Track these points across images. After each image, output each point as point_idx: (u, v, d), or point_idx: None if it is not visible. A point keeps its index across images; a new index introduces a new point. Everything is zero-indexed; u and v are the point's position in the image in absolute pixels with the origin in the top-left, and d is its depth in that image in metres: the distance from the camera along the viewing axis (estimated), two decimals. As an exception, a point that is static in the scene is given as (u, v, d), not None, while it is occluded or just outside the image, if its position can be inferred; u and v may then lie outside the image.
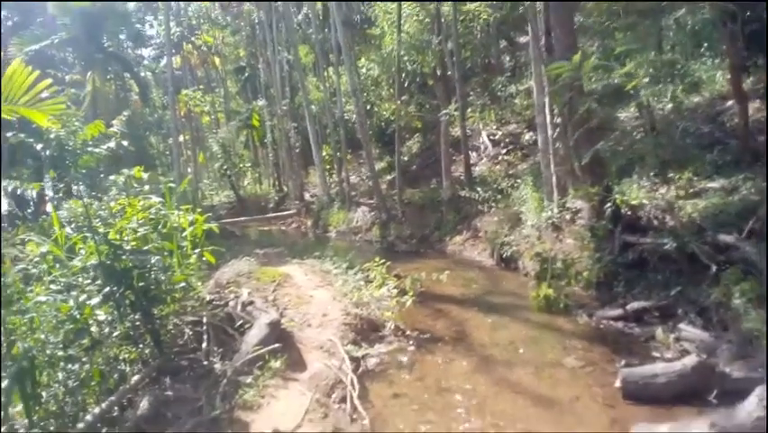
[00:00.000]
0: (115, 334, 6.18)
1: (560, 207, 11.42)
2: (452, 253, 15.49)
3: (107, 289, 6.07)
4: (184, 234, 8.26)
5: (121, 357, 6.13)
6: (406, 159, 23.80)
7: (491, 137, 21.36)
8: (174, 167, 24.84)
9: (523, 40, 25.79)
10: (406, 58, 19.35)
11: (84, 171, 7.03)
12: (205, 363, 6.20)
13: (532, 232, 12.13)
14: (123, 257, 6.13)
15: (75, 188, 8.03)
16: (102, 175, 7.61)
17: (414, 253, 16.11)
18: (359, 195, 23.53)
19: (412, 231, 17.74)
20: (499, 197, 14.85)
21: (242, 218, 26.26)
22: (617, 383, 5.83)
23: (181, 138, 31.25)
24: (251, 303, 7.55)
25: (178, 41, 34.99)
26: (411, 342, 7.90)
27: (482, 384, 6.32)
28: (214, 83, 44.40)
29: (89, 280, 6.37)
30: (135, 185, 8.84)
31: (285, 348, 6.61)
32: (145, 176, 8.83)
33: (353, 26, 24.73)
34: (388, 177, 24.36)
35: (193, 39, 36.93)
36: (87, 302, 6.02)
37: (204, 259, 8.31)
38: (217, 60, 40.37)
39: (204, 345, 6.50)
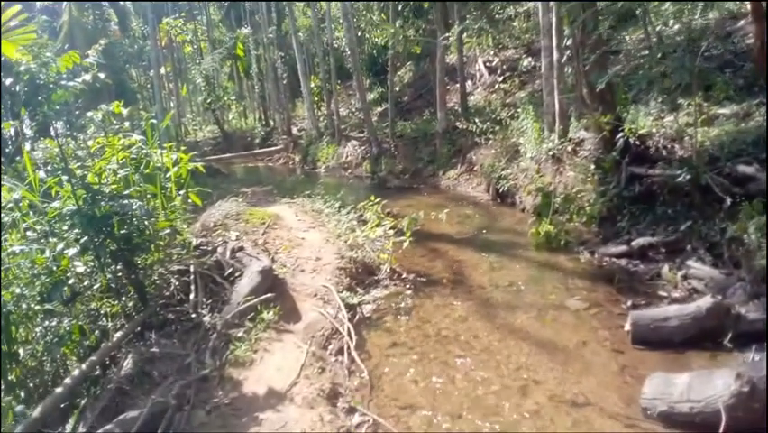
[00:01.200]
0: (96, 286, 5.81)
1: (562, 138, 10.92)
2: (447, 189, 15.10)
3: (86, 237, 5.64)
4: (168, 175, 7.78)
5: (102, 311, 5.79)
6: (397, 89, 22.92)
7: (487, 64, 20.48)
8: (156, 101, 23.81)
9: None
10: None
11: (58, 108, 6.41)
12: (194, 315, 5.87)
13: (530, 165, 11.67)
14: (103, 203, 5.65)
15: (52, 126, 7.48)
16: (78, 112, 6.99)
17: (406, 189, 15.70)
18: (349, 128, 22.79)
19: (404, 166, 17.24)
20: (497, 128, 14.22)
21: (228, 155, 25.56)
22: (627, 327, 5.58)
23: (163, 70, 29.90)
24: (241, 249, 7.17)
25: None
26: (408, 285, 7.61)
27: (484, 330, 6.07)
28: (197, 10, 42.26)
29: (66, 228, 5.94)
30: (114, 121, 8.27)
31: (278, 297, 6.29)
32: (125, 111, 8.23)
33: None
34: (379, 109, 23.60)
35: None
36: (65, 252, 5.62)
37: (189, 201, 7.88)
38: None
39: (191, 296, 6.15)
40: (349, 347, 5.63)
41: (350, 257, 7.97)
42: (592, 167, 9.37)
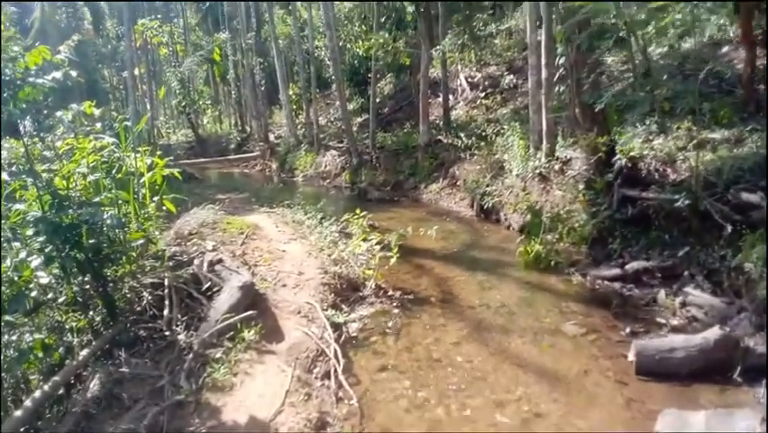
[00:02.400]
0: (61, 299, 5.30)
1: (549, 157, 10.77)
2: (429, 202, 14.84)
3: (50, 246, 5.15)
4: (141, 181, 7.30)
5: (67, 326, 5.28)
6: (377, 101, 22.68)
7: (469, 79, 20.42)
8: (129, 102, 23.07)
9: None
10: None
11: (25, 106, 5.90)
12: (167, 333, 5.39)
13: (516, 182, 11.49)
14: (70, 210, 5.17)
15: (21, 125, 6.96)
16: (45, 112, 6.48)
17: (387, 201, 15.40)
18: (328, 137, 22.43)
19: (385, 177, 16.95)
20: (482, 143, 14.04)
21: (202, 159, 24.98)
22: (630, 357, 5.33)
23: (136, 71, 29.14)
24: (220, 261, 6.72)
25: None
26: (395, 303, 7.26)
27: (478, 355, 5.74)
28: (173, 13, 41.52)
29: (30, 235, 5.42)
30: (85, 122, 7.77)
31: (259, 314, 5.87)
32: (97, 112, 7.73)
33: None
34: (359, 119, 23.27)
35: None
36: (27, 261, 5.12)
37: (163, 208, 7.40)
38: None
39: (165, 312, 5.65)
40: (336, 371, 5.24)
41: (334, 272, 7.58)
42: (581, 187, 9.22)
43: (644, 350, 5.24)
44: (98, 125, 7.81)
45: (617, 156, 8.26)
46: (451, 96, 19.90)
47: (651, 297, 6.96)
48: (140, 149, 7.78)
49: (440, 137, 16.81)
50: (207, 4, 33.79)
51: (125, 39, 23.31)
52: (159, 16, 33.93)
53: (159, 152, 8.50)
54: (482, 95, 19.14)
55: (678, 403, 4.55)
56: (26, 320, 5.16)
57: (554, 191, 10.25)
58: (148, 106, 30.25)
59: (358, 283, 7.72)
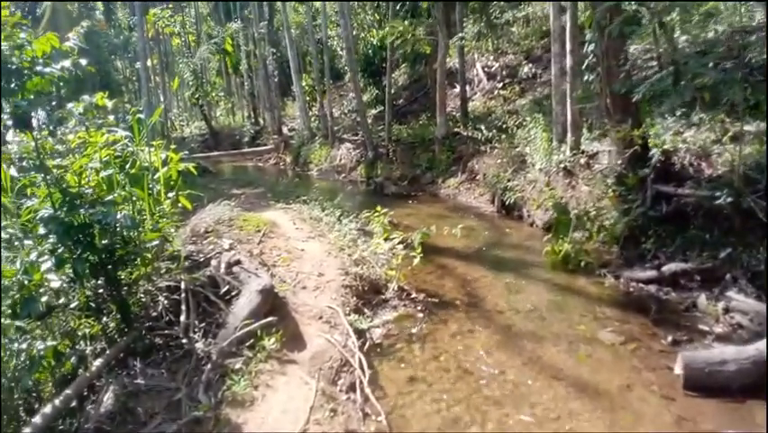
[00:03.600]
0: (73, 304, 5.04)
1: (574, 150, 10.36)
2: (447, 198, 14.47)
3: (62, 248, 4.89)
4: (156, 176, 7.02)
5: (80, 332, 5.02)
6: (392, 92, 22.28)
7: (486, 69, 19.96)
8: (142, 94, 22.80)
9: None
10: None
11: (32, 97, 5.60)
12: (184, 341, 5.12)
13: (539, 177, 11.11)
14: (82, 210, 4.89)
15: (34, 117, 6.71)
16: (54, 103, 6.19)
17: (405, 196, 15.03)
18: (342, 130, 22.06)
19: (402, 171, 16.56)
20: (502, 136, 13.61)
21: (216, 153, 24.71)
22: (677, 369, 4.99)
23: (149, 62, 28.89)
24: (238, 262, 6.43)
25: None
26: (419, 307, 6.95)
27: (511, 365, 5.42)
28: (185, 4, 41.22)
29: (41, 235, 5.17)
30: (98, 115, 7.50)
31: (279, 320, 5.57)
32: (109, 104, 7.46)
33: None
34: (374, 111, 22.86)
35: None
36: (39, 262, 4.86)
37: (179, 205, 7.12)
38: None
39: (182, 317, 5.39)
40: (362, 382, 4.94)
41: (355, 273, 7.28)
42: (610, 182, 8.82)
43: (692, 362, 4.89)
44: (111, 118, 7.54)
45: (654, 150, 7.84)
46: (467, 87, 19.49)
47: (690, 301, 6.60)
48: (154, 142, 7.51)
49: (457, 129, 16.41)
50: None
51: (137, 29, 22.93)
52: (170, 6, 33.65)
53: (173, 146, 8.23)
54: (500, 85, 18.67)
55: (732, 423, 4.23)
56: (37, 325, 4.93)
57: (581, 186, 9.86)
58: (161, 98, 29.98)
59: (380, 285, 7.42)
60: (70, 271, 4.99)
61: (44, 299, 4.79)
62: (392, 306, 6.99)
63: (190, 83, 29.36)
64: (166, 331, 5.25)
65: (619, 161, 8.34)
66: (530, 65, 18.15)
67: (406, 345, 5.94)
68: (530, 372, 5.28)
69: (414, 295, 7.31)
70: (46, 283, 4.88)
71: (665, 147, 8.18)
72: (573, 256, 8.03)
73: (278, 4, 25.57)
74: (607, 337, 5.91)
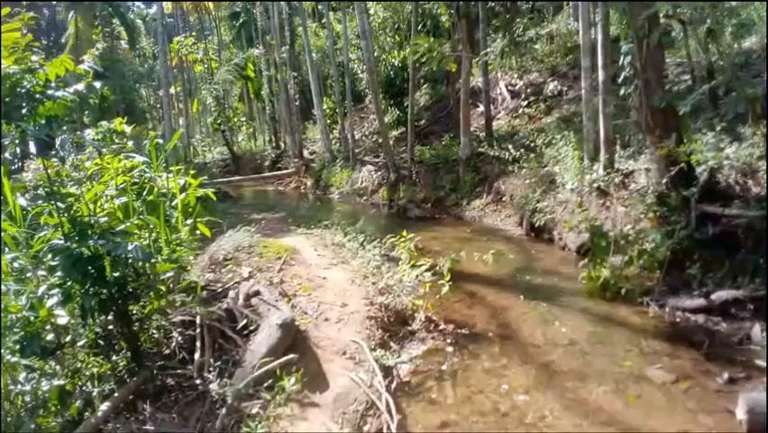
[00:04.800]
0: (81, 342, 4.73)
1: (608, 168, 9.88)
2: (472, 220, 14.03)
3: (69, 282, 4.60)
4: (174, 203, 6.75)
5: (87, 372, 4.70)
6: (414, 113, 22.03)
7: (510, 87, 19.61)
8: (164, 120, 22.95)
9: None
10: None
11: (43, 122, 5.36)
12: (198, 381, 4.76)
13: (571, 197, 10.63)
14: (91, 241, 4.60)
15: (57, 143, 6.51)
16: (64, 128, 5.97)
17: (428, 219, 14.65)
18: (363, 152, 21.85)
19: (425, 193, 16.16)
20: (530, 155, 13.18)
21: (237, 177, 24.66)
22: (739, 414, 4.46)
23: (172, 90, 29.22)
24: (257, 294, 6.08)
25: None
26: (448, 340, 6.50)
27: (553, 408, 4.94)
28: (207, 31, 41.90)
29: (48, 268, 4.90)
30: (116, 140, 7.30)
31: (300, 357, 5.19)
32: (128, 129, 7.25)
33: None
34: (395, 132, 22.63)
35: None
36: (45, 298, 4.58)
37: (197, 232, 6.83)
38: (210, 5, 37.86)
39: (196, 355, 5.04)
40: (390, 428, 4.51)
41: (380, 303, 6.88)
42: (649, 202, 8.31)
43: (756, 406, 4.37)
44: (130, 144, 7.33)
45: (701, 167, 7.35)
46: (491, 106, 19.14)
47: (744, 333, 6.06)
48: (173, 168, 7.27)
49: (481, 149, 16.03)
50: (241, 20, 33.88)
51: (160, 56, 23.18)
52: (193, 33, 34.16)
53: (193, 171, 7.98)
54: (524, 103, 18.30)
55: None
56: (45, 363, 4.63)
57: (616, 207, 9.35)
58: (180, 122, 30.22)
59: (406, 315, 7.00)
60: (79, 306, 4.69)
61: (50, 336, 4.50)
62: (420, 338, 6.56)
63: (213, 109, 29.57)
64: (179, 370, 4.90)
65: (661, 180, 7.82)
66: (555, 82, 17.75)
67: (436, 384, 5.49)
68: (574, 416, 4.79)
69: (442, 326, 6.87)
70: (53, 320, 4.61)
71: (711, 164, 7.68)
72: (613, 283, 7.52)
73: (300, 29, 25.70)
74: (656, 375, 5.39)
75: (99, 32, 29.71)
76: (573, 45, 18.44)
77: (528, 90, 18.71)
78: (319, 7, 31.43)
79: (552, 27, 19.56)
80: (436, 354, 6.17)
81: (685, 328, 6.46)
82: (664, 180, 7.50)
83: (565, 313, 7.26)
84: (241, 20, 34.03)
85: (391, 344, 6.24)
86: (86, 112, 22.97)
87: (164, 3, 29.47)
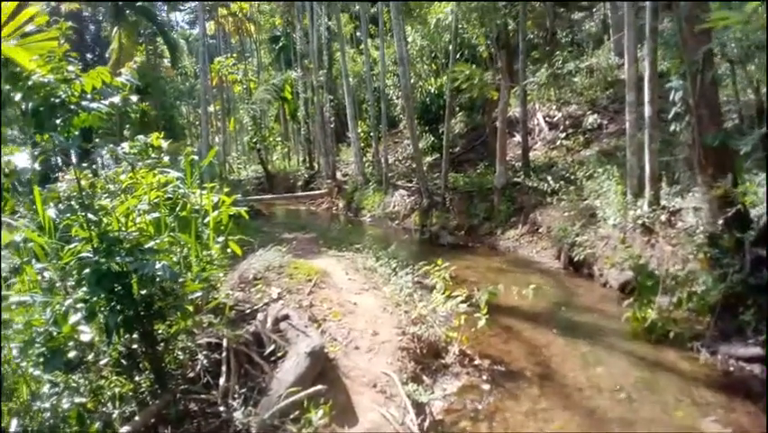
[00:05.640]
0: (103, 361, 4.56)
1: (653, 205, 9.47)
2: (506, 250, 13.64)
3: (94, 298, 4.45)
4: (206, 220, 6.63)
5: (108, 392, 4.51)
6: (449, 139, 21.89)
7: (547, 119, 19.32)
8: (201, 137, 23.29)
9: (579, 15, 23.61)
10: (461, 25, 17.28)
11: (77, 134, 5.28)
12: (222, 408, 4.53)
13: (613, 233, 10.21)
14: (119, 258, 4.46)
15: (87, 155, 6.51)
16: (97, 140, 5.90)
17: (461, 247, 14.32)
18: (396, 176, 21.73)
19: (459, 221, 15.86)
20: (570, 187, 12.82)
21: (270, 196, 24.81)
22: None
23: (211, 108, 29.77)
24: (286, 318, 5.85)
25: (213, 5, 33.45)
26: (483, 376, 6.17)
27: (600, 459, 4.55)
28: (248, 53, 42.83)
29: (74, 283, 4.77)
30: (153, 155, 7.26)
31: (329, 387, 4.91)
32: (165, 144, 7.21)
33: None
34: (428, 159, 22.46)
35: (229, 3, 35.38)
36: (74, 309, 4.43)
37: (229, 250, 6.68)
38: (252, 28, 38.72)
39: (221, 380, 4.82)
40: (422, 471, 4.19)
41: (413, 333, 6.58)
42: (699, 242, 7.86)
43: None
44: (166, 159, 7.28)
45: (760, 209, 6.93)
46: (527, 136, 18.85)
47: (807, 388, 5.57)
48: (207, 185, 7.18)
49: (517, 179, 15.72)
50: (281, 44, 34.50)
51: (201, 75, 23.63)
52: (234, 55, 34.89)
53: (228, 188, 7.90)
54: (562, 135, 17.96)
55: None
56: (68, 378, 4.47)
57: (662, 246, 8.93)
58: (217, 139, 30.65)
59: (439, 348, 6.69)
60: (103, 323, 4.53)
61: (72, 354, 4.34)
62: (453, 373, 6.23)
63: (249, 128, 29.98)
64: (202, 395, 4.68)
65: (713, 220, 7.40)
66: (595, 115, 17.42)
67: (471, 425, 5.16)
68: (624, 470, 4.40)
69: (477, 361, 6.54)
70: (76, 336, 4.45)
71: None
72: (660, 325, 7.08)
73: (338, 54, 25.98)
74: (710, 428, 4.98)
75: (143, 49, 30.56)
76: (614, 79, 18.16)
77: (567, 122, 18.39)
78: (357, 33, 31.84)
79: (592, 61, 19.29)
80: (471, 391, 5.83)
81: (740, 379, 6.01)
82: (720, 222, 7.07)
83: (609, 355, 6.85)
84: (281, 43, 34.66)
85: (424, 377, 5.93)
86: (127, 126, 23.51)
87: (207, 23, 30.31)
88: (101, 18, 26.90)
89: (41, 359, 4.29)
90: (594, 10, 22.78)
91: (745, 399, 5.54)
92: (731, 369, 6.24)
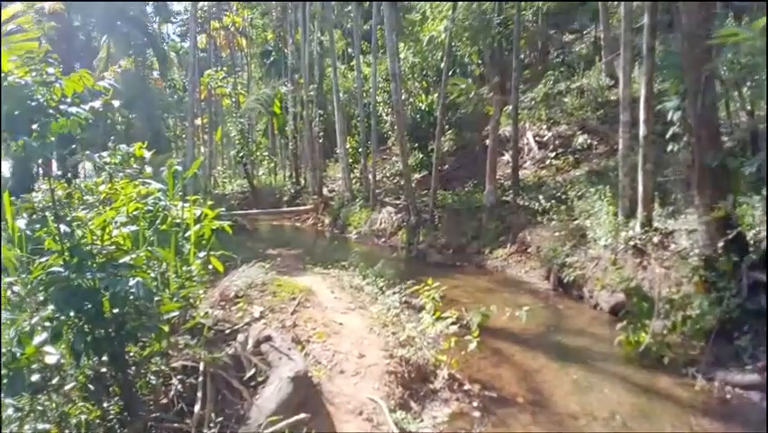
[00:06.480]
0: (68, 386, 4.24)
1: (645, 226, 9.35)
2: (494, 269, 13.46)
3: (61, 317, 4.14)
4: (187, 234, 6.34)
5: (74, 419, 4.18)
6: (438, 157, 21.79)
7: (537, 138, 19.29)
8: (187, 149, 22.95)
9: (570, 37, 23.81)
10: (454, 43, 17.27)
11: (53, 140, 4.97)
12: (197, 437, 4.23)
13: (604, 254, 10.06)
14: (89, 274, 4.17)
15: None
16: (74, 146, 5.63)
17: (449, 266, 14.10)
18: (384, 193, 21.56)
19: (447, 239, 15.66)
20: (561, 207, 12.70)
21: (255, 211, 24.47)
22: None
23: (198, 121, 29.47)
24: (268, 339, 5.55)
25: (205, 18, 33.34)
26: (474, 402, 5.91)
27: (597, 495, 4.30)
28: (238, 67, 42.69)
29: (40, 300, 4.46)
30: (135, 165, 6.98)
31: (312, 415, 4.62)
32: (148, 154, 6.94)
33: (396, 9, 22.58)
34: (417, 176, 22.33)
35: (221, 16, 35.30)
36: (36, 334, 4.12)
37: (210, 266, 6.38)
38: (243, 42, 38.65)
39: (196, 407, 4.50)
40: None
41: (401, 357, 6.31)
42: (694, 264, 7.70)
43: None
44: (148, 169, 7.00)
45: (751, 232, 6.81)
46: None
47: (806, 416, 5.39)
48: (190, 198, 6.90)
49: (506, 198, 15.61)
50: (272, 58, 34.40)
51: (190, 87, 23.34)
52: (224, 68, 34.72)
53: (211, 202, 7.62)
54: (552, 155, 17.95)
55: None
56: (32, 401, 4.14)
57: (654, 268, 8.78)
58: (202, 149, 30.29)
59: (428, 371, 6.41)
60: (69, 345, 4.22)
61: (35, 377, 4.02)
62: (443, 399, 5.96)
63: (236, 141, 29.69)
64: (175, 424, 4.36)
65: (710, 243, 7.25)
66: (585, 135, 17.43)
67: (461, 455, 4.89)
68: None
69: (467, 386, 6.29)
70: (40, 358, 4.13)
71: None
72: (654, 350, 6.89)
73: (329, 69, 25.92)
74: (713, 462, 4.74)
75: (132, 60, 30.28)
76: (604, 100, 18.24)
77: (556, 142, 18.40)
78: (349, 50, 31.86)
79: (582, 81, 19.38)
80: (461, 418, 5.57)
81: (738, 407, 5.83)
82: (721, 244, 6.92)
83: (602, 380, 6.63)
84: (272, 58, 34.55)
85: (412, 404, 5.65)
86: (112, 138, 23.12)
87: (198, 36, 30.16)
88: (92, 28, 26.48)
89: (4, 381, 3.98)
90: (585, 32, 22.98)
91: (742, 427, 5.36)
92: (728, 396, 6.05)
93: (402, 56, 22.94)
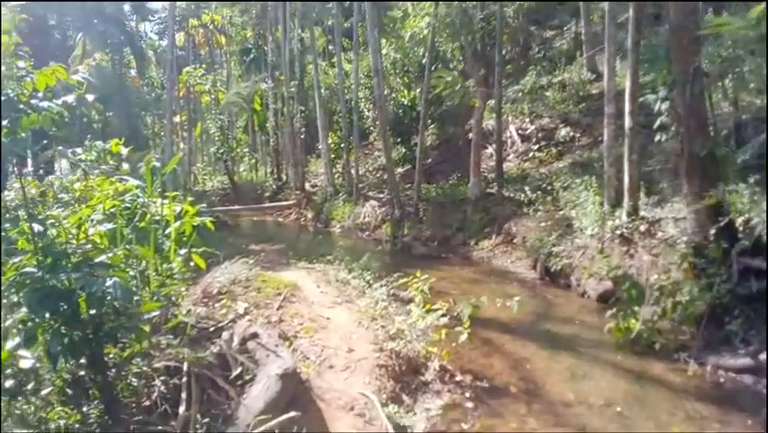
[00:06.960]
0: (45, 391, 4.03)
1: (632, 215, 9.33)
2: (480, 261, 13.40)
3: (35, 321, 3.94)
4: (167, 231, 6.13)
5: (52, 424, 3.98)
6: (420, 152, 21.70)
7: (520, 131, 19.28)
8: (165, 147, 22.53)
9: (551, 33, 23.84)
10: (437, 39, 17.15)
11: (24, 135, 4.73)
12: (182, 439, 4.05)
13: (591, 243, 10.04)
14: (63, 274, 3.96)
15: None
16: (45, 142, 5.39)
17: (435, 258, 14.00)
18: (367, 187, 21.41)
19: (431, 232, 15.58)
20: (547, 198, 12.68)
21: (236, 207, 24.12)
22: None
23: (177, 118, 28.94)
24: (254, 336, 5.38)
25: (183, 16, 32.74)
26: (466, 393, 5.81)
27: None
28: (217, 65, 42.08)
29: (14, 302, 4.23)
30: (111, 161, 6.72)
31: (302, 412, 4.46)
32: (124, 151, 6.68)
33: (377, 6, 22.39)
34: (400, 170, 22.19)
35: (200, 14, 34.71)
36: (10, 337, 3.91)
37: (191, 264, 6.19)
38: (222, 40, 38.09)
39: (181, 409, 4.31)
40: (406, 506, 3.79)
41: (391, 350, 6.17)
42: (683, 252, 7.67)
43: None
44: (125, 166, 6.75)
45: (756, 219, 6.79)
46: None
47: (798, 397, 5.38)
48: (169, 194, 6.69)
49: (490, 190, 15.56)
50: (252, 55, 33.97)
51: (168, 85, 22.86)
52: (203, 66, 34.14)
53: (191, 198, 7.41)
54: (535, 147, 17.97)
55: None
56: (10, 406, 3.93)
57: (641, 256, 8.77)
58: (182, 145, 29.79)
59: (418, 364, 6.29)
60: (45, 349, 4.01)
61: (9, 383, 3.81)
62: (434, 391, 5.85)
63: (216, 138, 29.27)
64: (159, 427, 4.16)
65: (699, 230, 7.22)
66: (568, 128, 17.47)
67: (456, 448, 4.78)
68: (624, 496, 4.07)
69: (459, 377, 6.19)
70: (15, 363, 3.92)
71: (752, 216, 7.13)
72: (645, 336, 6.86)
73: (310, 66, 25.65)
74: (712, 447, 4.70)
75: (109, 58, 29.70)
76: (586, 94, 18.29)
77: (539, 135, 18.42)
78: (330, 47, 31.58)
79: (564, 76, 19.41)
80: (454, 410, 5.47)
81: (732, 390, 5.82)
82: (712, 231, 6.89)
83: (594, 367, 6.58)
84: (251, 55, 34.10)
85: (404, 397, 5.52)
86: (89, 136, 22.62)
87: (177, 34, 29.64)
88: (67, 27, 25.81)
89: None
90: (565, 28, 23.04)
91: (740, 411, 5.33)
92: (721, 380, 6.04)
93: (384, 52, 22.77)
